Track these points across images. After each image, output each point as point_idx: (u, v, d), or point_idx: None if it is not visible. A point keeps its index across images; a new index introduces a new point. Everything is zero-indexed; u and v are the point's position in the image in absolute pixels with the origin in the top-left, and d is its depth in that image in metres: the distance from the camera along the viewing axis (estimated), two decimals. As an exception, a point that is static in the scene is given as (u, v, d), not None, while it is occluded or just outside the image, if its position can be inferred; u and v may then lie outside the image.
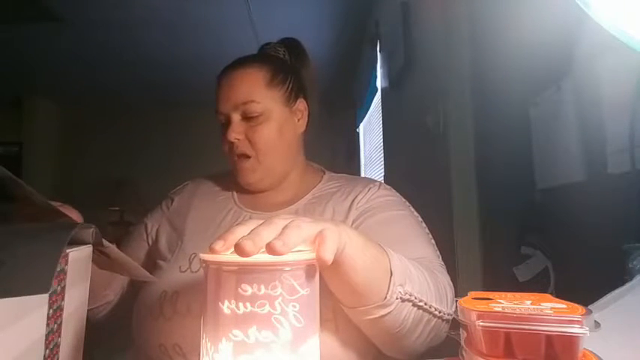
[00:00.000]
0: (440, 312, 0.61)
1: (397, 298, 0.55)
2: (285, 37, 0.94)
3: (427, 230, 0.80)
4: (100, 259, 0.51)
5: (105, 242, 0.48)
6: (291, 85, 0.84)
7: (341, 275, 0.52)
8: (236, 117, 0.80)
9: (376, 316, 0.56)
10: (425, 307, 0.58)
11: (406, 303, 0.56)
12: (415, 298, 0.57)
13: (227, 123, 0.81)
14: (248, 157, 0.81)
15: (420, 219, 0.81)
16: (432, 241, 0.78)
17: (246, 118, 0.80)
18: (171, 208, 0.88)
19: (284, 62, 0.88)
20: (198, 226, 0.81)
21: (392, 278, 0.54)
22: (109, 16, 2.99)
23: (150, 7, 2.88)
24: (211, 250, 0.41)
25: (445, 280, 0.67)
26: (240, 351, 0.35)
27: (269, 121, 0.80)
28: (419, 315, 0.58)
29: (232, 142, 0.80)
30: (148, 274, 0.59)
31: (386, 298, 0.54)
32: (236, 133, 0.79)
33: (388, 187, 0.85)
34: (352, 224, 0.76)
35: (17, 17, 2.95)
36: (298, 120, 0.86)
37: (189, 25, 3.16)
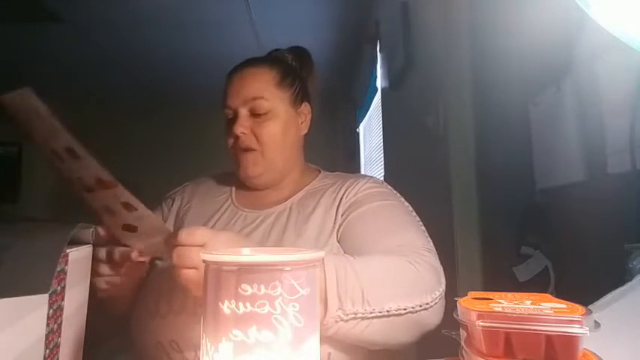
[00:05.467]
0: (406, 308, 0.61)
1: (337, 321, 0.57)
2: (294, 46, 0.97)
3: (417, 218, 0.80)
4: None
5: (135, 201, 0.50)
6: (298, 89, 0.88)
7: None
8: (244, 112, 0.82)
9: (327, 334, 0.58)
10: (379, 314, 0.59)
11: (351, 321, 0.58)
12: (361, 313, 0.58)
13: (234, 118, 0.83)
14: (253, 150, 0.82)
15: (410, 208, 0.82)
16: (422, 227, 0.78)
17: (254, 114, 0.82)
18: (172, 209, 0.90)
19: (293, 67, 0.92)
20: (196, 224, 0.82)
21: (327, 305, 0.56)
22: (109, 16, 2.99)
23: (150, 8, 2.88)
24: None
25: (425, 268, 0.65)
26: (240, 351, 0.35)
27: (275, 118, 0.83)
28: (379, 321, 0.60)
29: (238, 136, 0.82)
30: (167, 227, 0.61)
31: (324, 323, 0.57)
32: (243, 127, 0.81)
33: (379, 180, 0.87)
34: (340, 218, 0.78)
35: (17, 17, 2.95)
36: (302, 122, 0.89)
37: (189, 25, 3.15)
